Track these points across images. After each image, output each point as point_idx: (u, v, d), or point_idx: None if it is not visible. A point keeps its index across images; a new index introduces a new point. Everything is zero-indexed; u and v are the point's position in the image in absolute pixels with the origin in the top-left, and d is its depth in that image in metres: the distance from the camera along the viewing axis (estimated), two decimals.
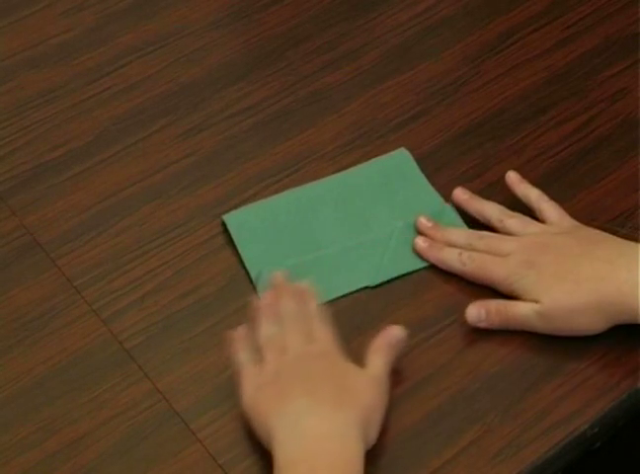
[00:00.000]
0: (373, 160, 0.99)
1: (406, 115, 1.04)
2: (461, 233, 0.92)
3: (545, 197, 0.92)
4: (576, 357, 0.86)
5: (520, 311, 0.86)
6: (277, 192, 0.98)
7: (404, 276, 0.91)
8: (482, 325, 0.87)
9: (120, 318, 0.90)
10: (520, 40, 1.10)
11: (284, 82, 1.07)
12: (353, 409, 0.78)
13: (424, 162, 0.99)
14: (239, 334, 0.85)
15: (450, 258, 0.90)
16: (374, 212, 0.95)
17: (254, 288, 0.90)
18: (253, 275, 0.91)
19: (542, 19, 1.12)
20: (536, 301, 0.85)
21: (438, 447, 0.82)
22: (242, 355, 0.84)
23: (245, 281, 0.92)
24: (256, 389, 0.81)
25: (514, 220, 0.91)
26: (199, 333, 0.89)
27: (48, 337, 0.89)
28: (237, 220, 0.94)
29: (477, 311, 0.87)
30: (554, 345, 0.87)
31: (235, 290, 0.91)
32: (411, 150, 1.00)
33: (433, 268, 0.92)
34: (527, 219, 0.91)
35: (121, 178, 1.00)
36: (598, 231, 0.89)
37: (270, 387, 0.80)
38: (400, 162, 0.98)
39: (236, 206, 0.97)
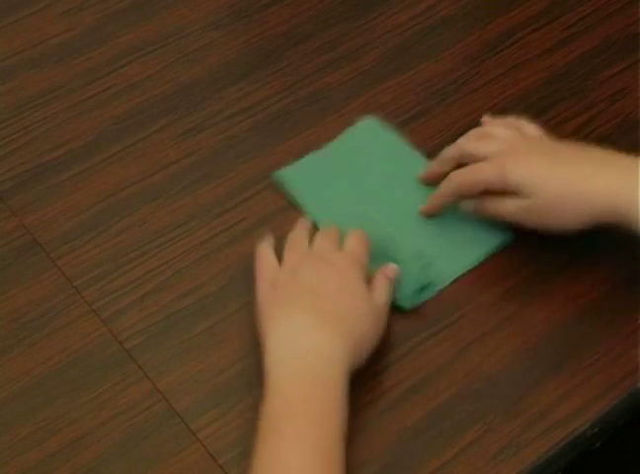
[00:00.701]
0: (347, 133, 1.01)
1: (406, 115, 1.04)
2: (449, 150, 0.94)
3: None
4: (576, 357, 0.86)
5: (506, 206, 0.89)
6: (276, 192, 0.98)
7: None
8: (472, 211, 0.92)
9: (120, 318, 0.90)
10: (520, 40, 1.10)
11: (284, 82, 1.07)
12: (348, 336, 0.82)
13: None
14: (269, 238, 0.91)
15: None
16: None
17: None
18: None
19: (542, 19, 1.12)
20: (527, 195, 0.87)
21: (438, 447, 0.82)
22: (266, 251, 0.89)
23: (245, 281, 0.92)
24: (270, 288, 0.86)
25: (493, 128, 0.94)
26: (199, 333, 0.89)
27: (48, 337, 0.89)
28: (289, 175, 0.97)
29: (469, 203, 0.92)
30: (554, 345, 0.87)
31: (235, 290, 0.91)
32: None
33: None
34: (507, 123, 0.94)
35: (121, 178, 1.00)
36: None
37: (281, 290, 0.84)
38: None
39: (236, 206, 0.97)
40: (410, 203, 0.95)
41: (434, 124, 1.03)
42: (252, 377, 0.85)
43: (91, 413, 0.84)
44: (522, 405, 0.84)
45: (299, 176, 0.97)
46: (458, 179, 0.91)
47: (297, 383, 0.79)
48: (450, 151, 0.94)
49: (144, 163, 1.01)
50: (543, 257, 0.92)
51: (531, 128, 0.94)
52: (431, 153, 1.00)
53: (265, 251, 0.90)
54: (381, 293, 0.86)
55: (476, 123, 0.99)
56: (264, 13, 1.14)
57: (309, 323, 0.82)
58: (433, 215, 0.94)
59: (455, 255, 0.92)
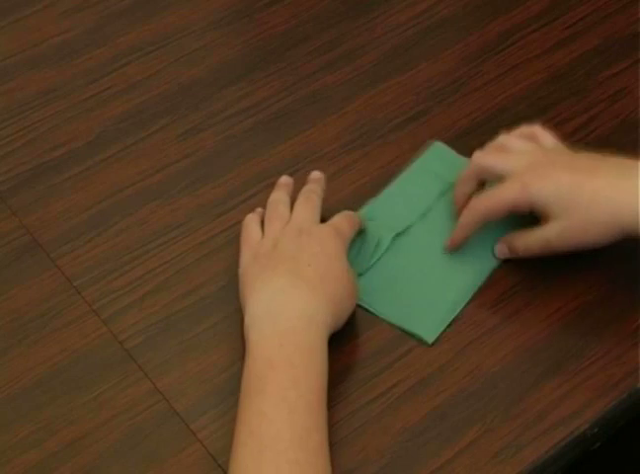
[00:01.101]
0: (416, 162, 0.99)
1: (406, 115, 1.04)
2: (467, 168, 0.93)
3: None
4: (576, 357, 0.86)
5: (539, 235, 0.88)
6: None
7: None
8: (510, 256, 0.91)
9: (120, 318, 0.90)
10: (520, 40, 1.10)
11: (284, 82, 1.07)
12: (327, 297, 0.84)
13: None
14: (258, 210, 0.93)
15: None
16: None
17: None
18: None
19: (542, 19, 1.12)
20: (553, 217, 0.86)
21: (438, 447, 0.82)
22: (252, 224, 0.91)
23: None
24: (252, 258, 0.87)
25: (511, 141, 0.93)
26: (199, 333, 0.89)
27: (48, 337, 0.89)
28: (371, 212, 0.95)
29: (501, 248, 0.91)
30: (554, 345, 0.87)
31: (235, 290, 0.91)
32: (411, 150, 1.00)
33: None
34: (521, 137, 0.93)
35: (121, 178, 1.00)
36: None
37: (262, 259, 0.86)
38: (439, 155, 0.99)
39: (236, 206, 0.97)
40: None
41: (434, 124, 1.03)
42: None
43: (91, 413, 0.84)
44: (522, 405, 0.84)
45: (380, 212, 0.95)
46: (481, 205, 0.89)
47: (278, 343, 0.80)
48: (468, 170, 0.92)
49: (144, 163, 1.01)
50: (543, 257, 0.92)
51: (547, 138, 0.93)
52: None
53: (250, 223, 0.92)
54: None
55: (476, 123, 0.99)
56: (264, 13, 1.14)
57: (287, 284, 0.84)
58: (458, 248, 0.92)
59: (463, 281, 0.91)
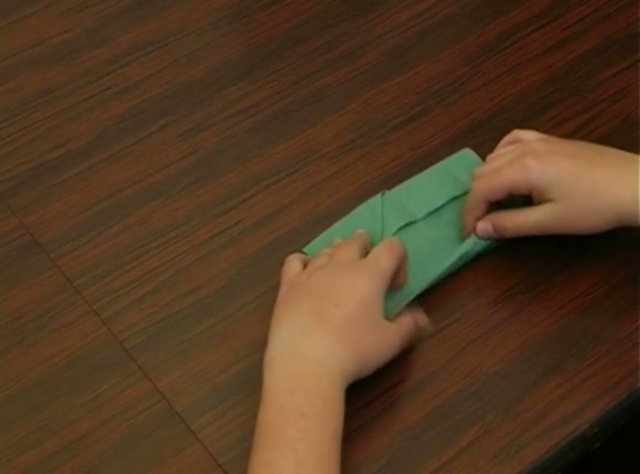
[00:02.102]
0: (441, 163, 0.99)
1: (406, 115, 1.04)
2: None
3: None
4: (576, 357, 0.86)
5: (533, 216, 0.87)
6: (277, 192, 0.98)
7: None
8: (494, 237, 0.90)
9: (120, 318, 0.90)
10: (520, 40, 1.10)
11: (284, 82, 1.07)
12: (350, 343, 0.79)
13: (424, 162, 0.99)
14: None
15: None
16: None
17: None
18: None
19: (542, 19, 1.12)
20: (552, 200, 0.86)
21: (438, 447, 0.82)
22: (294, 259, 0.88)
23: (245, 281, 0.92)
24: (287, 289, 0.85)
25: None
26: (199, 333, 0.89)
27: (48, 337, 0.89)
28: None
29: (485, 226, 0.90)
30: (554, 345, 0.87)
31: (235, 290, 0.91)
32: (411, 150, 1.00)
33: None
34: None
35: (121, 178, 1.00)
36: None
37: (295, 289, 0.83)
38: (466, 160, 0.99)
39: (236, 206, 0.97)
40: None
41: (434, 124, 1.03)
42: (252, 377, 0.85)
43: (91, 413, 0.84)
44: (522, 405, 0.84)
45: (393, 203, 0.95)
46: (482, 186, 0.89)
47: (289, 389, 0.77)
48: (470, 201, 0.91)
49: (144, 163, 1.01)
50: (543, 257, 0.92)
51: (530, 134, 0.93)
52: (431, 153, 1.00)
53: (293, 259, 0.89)
54: (403, 325, 0.84)
55: (476, 123, 0.99)
56: (264, 13, 1.14)
57: (310, 324, 0.80)
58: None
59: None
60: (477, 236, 0.91)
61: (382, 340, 0.82)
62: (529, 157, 0.87)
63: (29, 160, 1.01)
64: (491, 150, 0.99)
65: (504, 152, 0.91)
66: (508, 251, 0.93)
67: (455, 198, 0.95)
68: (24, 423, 0.84)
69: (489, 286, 0.91)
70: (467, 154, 0.98)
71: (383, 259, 0.84)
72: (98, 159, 1.01)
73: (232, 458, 0.82)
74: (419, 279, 0.89)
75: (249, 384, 0.85)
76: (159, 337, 0.89)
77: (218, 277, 0.92)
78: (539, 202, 0.87)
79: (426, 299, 0.90)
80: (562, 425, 0.83)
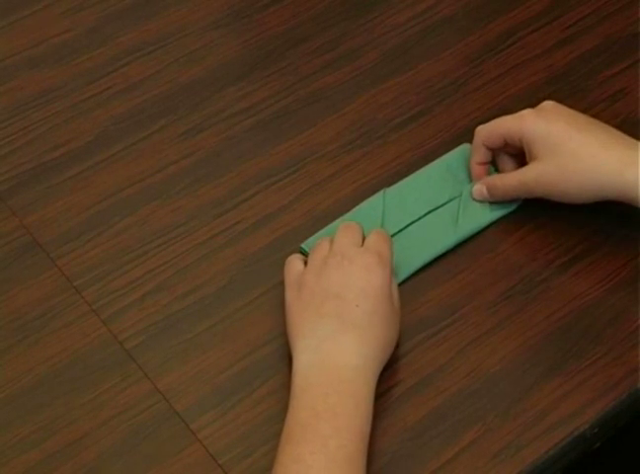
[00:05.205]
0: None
1: (406, 115, 1.04)
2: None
3: None
4: (576, 357, 0.86)
5: (519, 175, 0.92)
6: (277, 192, 0.98)
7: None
8: (487, 199, 0.94)
9: (120, 318, 0.90)
10: (520, 40, 1.10)
11: (284, 82, 1.07)
12: (376, 341, 0.82)
13: (424, 162, 0.99)
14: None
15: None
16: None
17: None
18: None
19: (542, 19, 1.12)
20: (538, 159, 0.89)
21: (438, 447, 0.82)
22: (295, 259, 0.89)
23: (245, 281, 0.92)
24: (296, 292, 0.85)
25: None
26: (198, 333, 0.89)
27: (48, 337, 0.89)
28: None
29: (480, 188, 0.94)
30: (554, 345, 0.87)
31: (235, 290, 0.91)
32: (411, 150, 1.00)
33: (433, 267, 0.92)
34: None
35: (121, 178, 1.00)
36: None
37: (306, 293, 0.84)
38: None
39: (236, 206, 0.97)
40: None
41: (434, 124, 1.03)
42: (252, 377, 0.86)
43: (91, 413, 0.84)
44: (522, 405, 0.84)
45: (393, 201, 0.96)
46: (482, 130, 0.94)
47: (323, 392, 0.79)
48: (475, 141, 0.97)
49: (144, 163, 1.01)
50: (543, 257, 0.93)
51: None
52: (431, 153, 1.00)
53: (293, 259, 0.89)
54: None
55: (476, 123, 0.99)
56: (264, 13, 1.14)
57: (335, 330, 0.81)
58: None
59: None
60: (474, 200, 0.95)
61: (396, 328, 0.85)
62: (530, 110, 0.92)
63: (29, 160, 1.01)
64: None
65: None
66: (507, 251, 0.93)
67: (455, 198, 0.95)
68: (24, 423, 0.84)
69: (489, 286, 0.91)
70: (467, 149, 0.98)
71: (384, 249, 0.86)
72: (98, 159, 1.01)
73: (232, 458, 0.82)
74: (417, 258, 0.92)
75: (249, 384, 0.85)
76: (159, 337, 0.89)
77: (218, 277, 0.92)
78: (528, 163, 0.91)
79: (426, 299, 0.90)
80: (562, 425, 0.83)
